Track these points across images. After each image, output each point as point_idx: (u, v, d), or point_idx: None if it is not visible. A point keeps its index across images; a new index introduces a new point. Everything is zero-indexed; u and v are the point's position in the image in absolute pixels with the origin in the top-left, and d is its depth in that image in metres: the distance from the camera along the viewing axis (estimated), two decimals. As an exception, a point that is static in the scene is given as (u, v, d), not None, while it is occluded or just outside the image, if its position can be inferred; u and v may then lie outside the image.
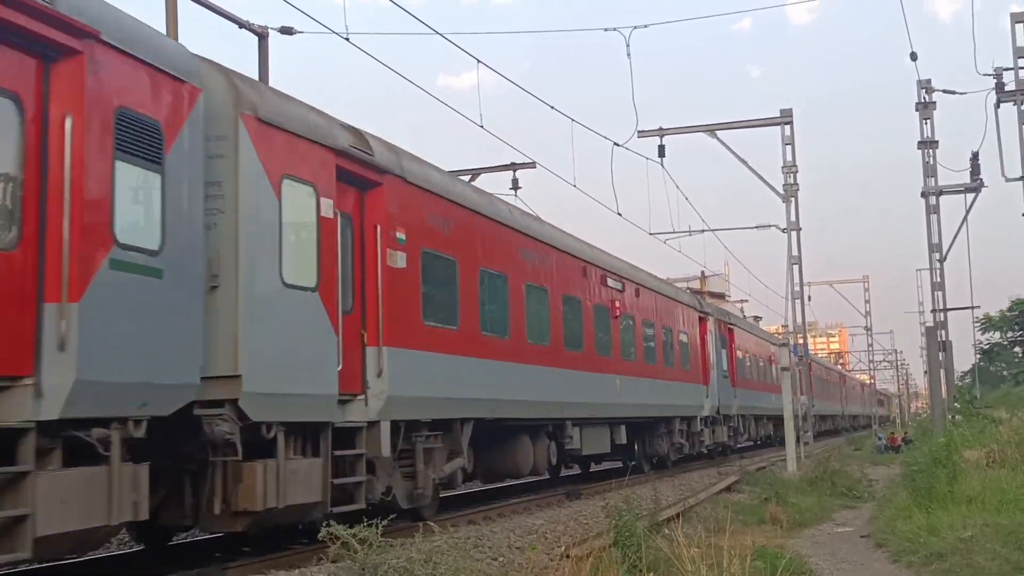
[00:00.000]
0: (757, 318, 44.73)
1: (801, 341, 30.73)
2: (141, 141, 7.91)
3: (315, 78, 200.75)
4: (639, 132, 26.21)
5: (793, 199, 26.84)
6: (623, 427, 20.81)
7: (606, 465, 24.02)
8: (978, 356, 53.04)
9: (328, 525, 8.53)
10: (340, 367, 10.42)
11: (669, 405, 23.88)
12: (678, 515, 12.87)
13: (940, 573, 9.95)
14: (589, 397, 18.33)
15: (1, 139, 7.07)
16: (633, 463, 23.02)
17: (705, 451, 28.63)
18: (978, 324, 52.42)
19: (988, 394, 36.36)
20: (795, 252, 27.03)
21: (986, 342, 56.64)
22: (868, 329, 69.85)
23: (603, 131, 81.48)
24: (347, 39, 14.50)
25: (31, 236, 7.18)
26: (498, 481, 17.37)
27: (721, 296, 47.47)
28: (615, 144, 23.91)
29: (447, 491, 15.06)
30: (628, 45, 22.39)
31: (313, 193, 10.17)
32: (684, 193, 60.40)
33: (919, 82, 26.00)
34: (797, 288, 27.56)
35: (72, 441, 7.37)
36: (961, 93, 25.11)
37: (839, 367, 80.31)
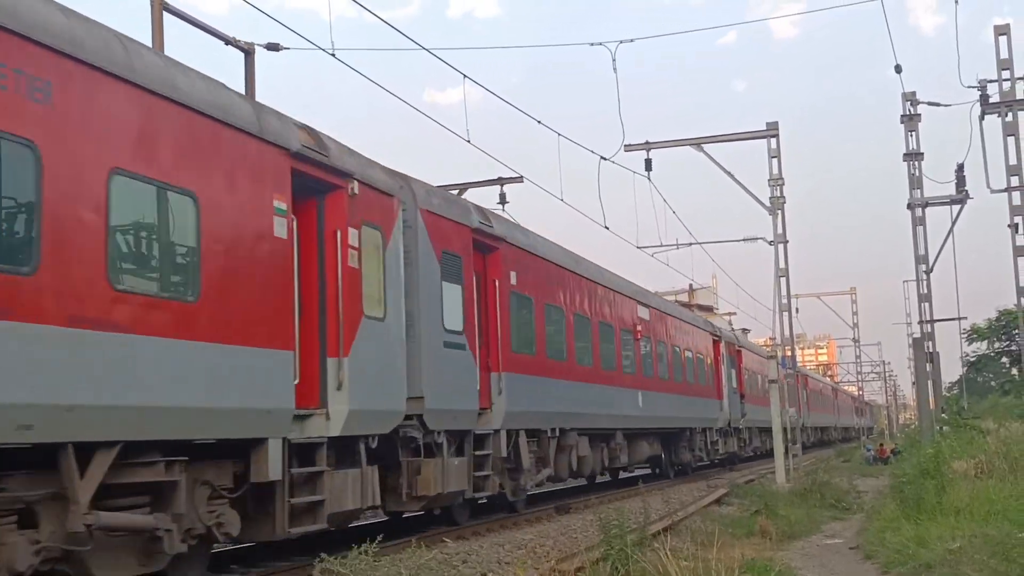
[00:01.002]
0: (745, 331, 44.65)
1: (789, 353, 30.78)
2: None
3: (301, 94, 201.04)
4: (626, 146, 26.11)
5: (780, 211, 26.78)
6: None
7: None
8: (964, 368, 53.16)
9: (321, 560, 9.08)
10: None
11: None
12: (667, 528, 12.85)
13: (928, 584, 9.93)
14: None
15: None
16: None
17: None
18: (965, 335, 52.59)
19: (976, 404, 36.36)
20: (782, 264, 26.98)
21: (973, 353, 56.79)
22: (856, 341, 69.78)
23: (590, 145, 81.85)
24: (333, 55, 14.49)
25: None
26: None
27: (709, 309, 47.35)
28: (602, 158, 23.88)
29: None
30: (614, 60, 22.44)
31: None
32: (671, 206, 60.77)
33: (904, 94, 26.11)
34: (784, 300, 27.53)
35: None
36: (946, 105, 25.25)
37: (828, 379, 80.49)
